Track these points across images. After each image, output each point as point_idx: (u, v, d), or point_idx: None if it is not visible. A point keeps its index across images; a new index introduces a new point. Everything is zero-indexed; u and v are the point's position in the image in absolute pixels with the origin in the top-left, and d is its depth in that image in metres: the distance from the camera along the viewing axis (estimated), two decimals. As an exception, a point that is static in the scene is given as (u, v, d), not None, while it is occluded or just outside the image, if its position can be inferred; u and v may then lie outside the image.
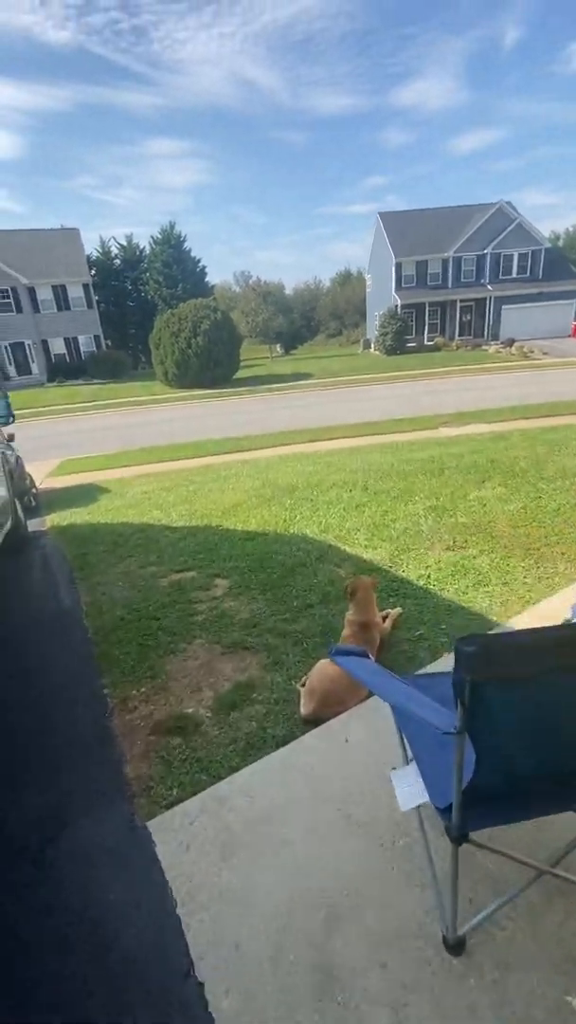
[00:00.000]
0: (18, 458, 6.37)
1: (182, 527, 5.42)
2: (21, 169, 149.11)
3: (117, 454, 10.40)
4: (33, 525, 5.95)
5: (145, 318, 37.93)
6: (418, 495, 5.50)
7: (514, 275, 32.67)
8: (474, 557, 3.84)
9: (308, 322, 58.00)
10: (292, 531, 4.90)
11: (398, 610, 3.11)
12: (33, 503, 6.94)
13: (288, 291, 60.58)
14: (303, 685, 2.45)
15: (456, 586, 3.44)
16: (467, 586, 3.42)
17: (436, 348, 32.51)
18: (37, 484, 7.72)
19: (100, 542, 5.23)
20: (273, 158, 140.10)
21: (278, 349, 47.87)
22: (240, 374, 27.56)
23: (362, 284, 45.80)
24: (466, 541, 4.14)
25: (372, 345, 36.87)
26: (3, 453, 5.29)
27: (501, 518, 4.55)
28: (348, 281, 57.39)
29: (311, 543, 4.50)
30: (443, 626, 2.96)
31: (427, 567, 3.76)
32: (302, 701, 2.36)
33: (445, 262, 33.19)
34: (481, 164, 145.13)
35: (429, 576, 3.61)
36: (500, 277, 32.64)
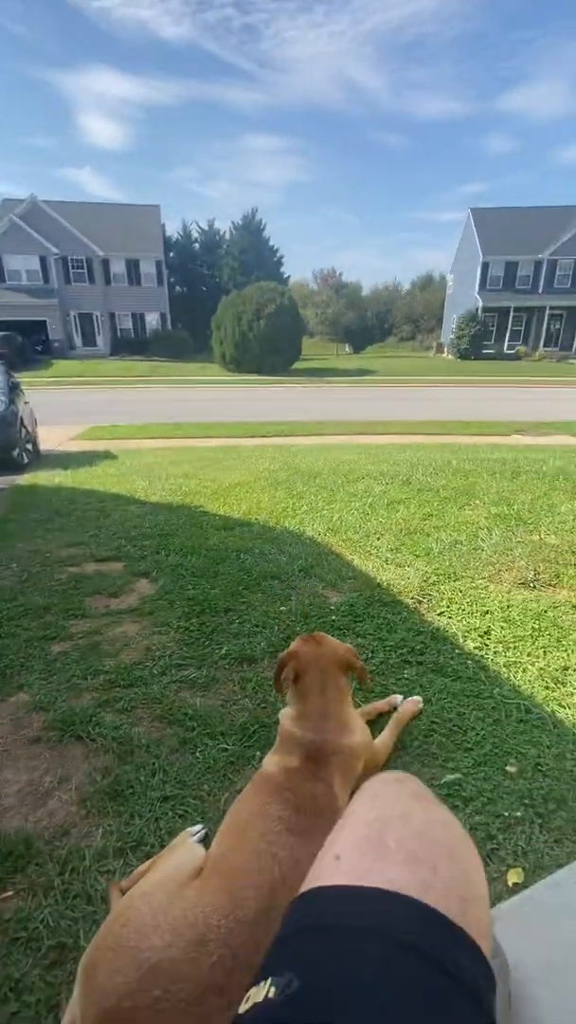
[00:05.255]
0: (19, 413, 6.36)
1: (154, 503, 4.05)
2: (126, 159, 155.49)
3: (146, 426, 9.40)
4: (3, 482, 5.30)
5: (216, 304, 37.18)
6: (480, 498, 3.84)
7: (616, 284, 29.31)
8: (573, 603, 2.20)
9: (381, 323, 55.15)
10: (287, 524, 3.39)
11: (413, 702, 1.54)
12: (25, 460, 6.31)
13: (366, 292, 58.12)
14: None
15: (541, 658, 1.83)
16: (563, 659, 1.80)
17: (517, 357, 29.67)
18: (56, 445, 7.77)
19: (44, 508, 3.98)
20: (369, 159, 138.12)
21: (346, 348, 45.96)
22: (300, 366, 26.13)
23: (442, 289, 43.04)
24: (556, 574, 2.47)
25: (445, 349, 34.39)
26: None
27: (614, 544, 2.85)
28: (429, 285, 54.06)
29: (306, 545, 2.97)
30: (512, 757, 1.38)
31: (485, 611, 2.15)
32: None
33: (538, 264, 30.20)
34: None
35: (488, 632, 2.00)
36: (600, 286, 29.38)
